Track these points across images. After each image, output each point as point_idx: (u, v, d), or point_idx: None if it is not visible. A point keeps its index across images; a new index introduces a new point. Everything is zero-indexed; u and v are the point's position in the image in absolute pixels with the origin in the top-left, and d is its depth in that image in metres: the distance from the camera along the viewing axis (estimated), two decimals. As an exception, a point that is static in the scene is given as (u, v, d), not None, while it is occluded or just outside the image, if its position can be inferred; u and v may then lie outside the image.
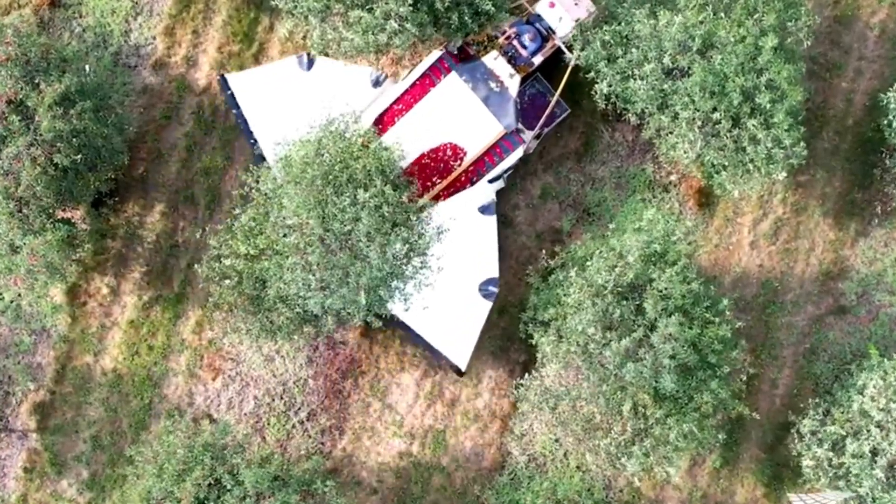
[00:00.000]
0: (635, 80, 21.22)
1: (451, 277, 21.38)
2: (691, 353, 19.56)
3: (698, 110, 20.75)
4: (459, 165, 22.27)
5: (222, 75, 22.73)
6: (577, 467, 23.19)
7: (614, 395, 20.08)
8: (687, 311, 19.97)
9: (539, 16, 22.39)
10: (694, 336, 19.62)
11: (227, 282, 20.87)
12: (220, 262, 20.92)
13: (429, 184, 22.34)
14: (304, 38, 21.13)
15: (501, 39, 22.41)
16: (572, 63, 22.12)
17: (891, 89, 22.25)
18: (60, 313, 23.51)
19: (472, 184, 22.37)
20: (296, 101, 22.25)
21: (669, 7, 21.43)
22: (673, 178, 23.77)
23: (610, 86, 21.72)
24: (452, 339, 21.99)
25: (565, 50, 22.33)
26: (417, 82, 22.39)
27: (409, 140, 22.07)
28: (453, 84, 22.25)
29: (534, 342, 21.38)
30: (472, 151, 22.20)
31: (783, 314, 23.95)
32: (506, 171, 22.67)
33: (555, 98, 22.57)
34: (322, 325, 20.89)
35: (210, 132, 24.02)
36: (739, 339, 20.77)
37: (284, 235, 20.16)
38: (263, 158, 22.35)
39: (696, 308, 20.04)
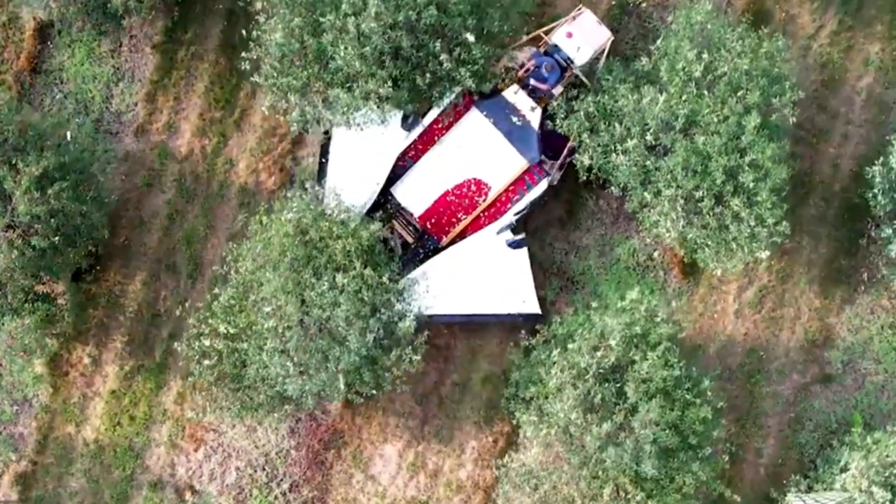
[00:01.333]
0: (618, 154, 21.08)
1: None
2: (672, 435, 19.46)
3: (681, 188, 20.60)
4: (484, 200, 22.39)
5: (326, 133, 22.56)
6: (562, 539, 23.07)
7: (595, 479, 19.97)
8: (668, 393, 19.86)
9: (557, 46, 22.39)
10: (675, 418, 19.51)
11: (207, 361, 20.75)
12: (200, 340, 20.81)
13: (454, 220, 22.49)
14: (285, 113, 20.97)
15: (521, 72, 22.39)
16: (592, 89, 22.13)
17: (876, 162, 22.07)
18: (42, 383, 23.41)
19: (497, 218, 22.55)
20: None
21: (654, 81, 21.25)
22: (656, 254, 23.61)
23: (592, 158, 21.57)
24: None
25: (584, 80, 22.35)
26: (439, 119, 22.39)
27: (433, 177, 22.20)
28: (475, 120, 22.31)
29: (515, 420, 21.25)
30: (497, 186, 22.32)
31: (768, 383, 23.82)
32: (531, 204, 22.62)
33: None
34: (302, 404, 20.78)
35: (192, 200, 23.88)
36: (721, 418, 20.63)
37: (263, 319, 20.02)
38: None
39: (677, 390, 19.92)
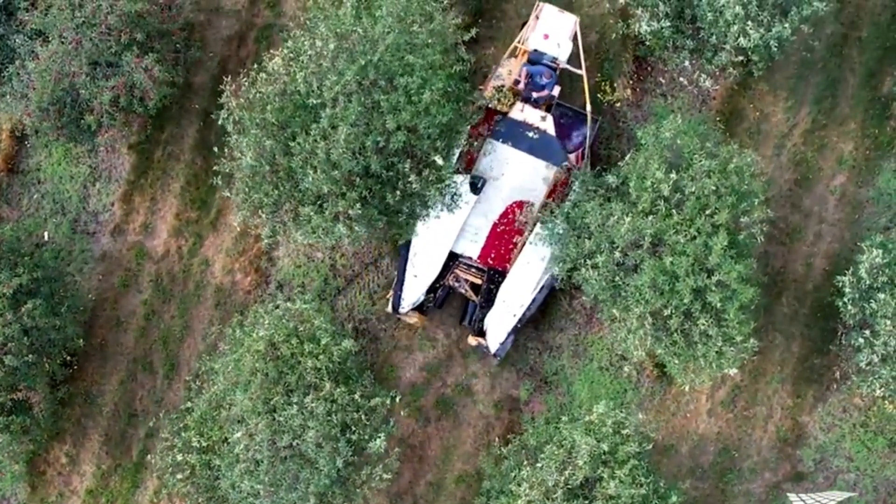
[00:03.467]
0: (587, 269, 21.22)
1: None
2: (640, 554, 19.68)
3: (649, 303, 20.74)
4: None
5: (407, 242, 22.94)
6: None
7: None
8: (637, 510, 20.06)
9: (538, 51, 22.85)
10: (643, 537, 19.73)
11: (180, 476, 20.96)
12: (173, 453, 21.00)
13: (511, 245, 22.86)
14: (256, 227, 21.15)
15: (520, 86, 22.88)
16: (584, 75, 22.68)
17: (846, 272, 22.19)
18: (20, 482, 23.66)
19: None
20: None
21: (623, 195, 21.38)
22: (626, 368, 23.78)
23: (562, 270, 21.73)
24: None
25: (574, 70, 22.86)
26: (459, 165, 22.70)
27: (477, 218, 22.61)
28: (496, 150, 22.69)
29: (487, 529, 21.50)
30: (538, 200, 22.75)
31: (740, 481, 24.02)
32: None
33: (588, 111, 22.88)
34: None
35: (168, 300, 24.07)
36: (690, 533, 20.88)
37: (235, 443, 20.20)
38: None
39: (645, 506, 20.14)
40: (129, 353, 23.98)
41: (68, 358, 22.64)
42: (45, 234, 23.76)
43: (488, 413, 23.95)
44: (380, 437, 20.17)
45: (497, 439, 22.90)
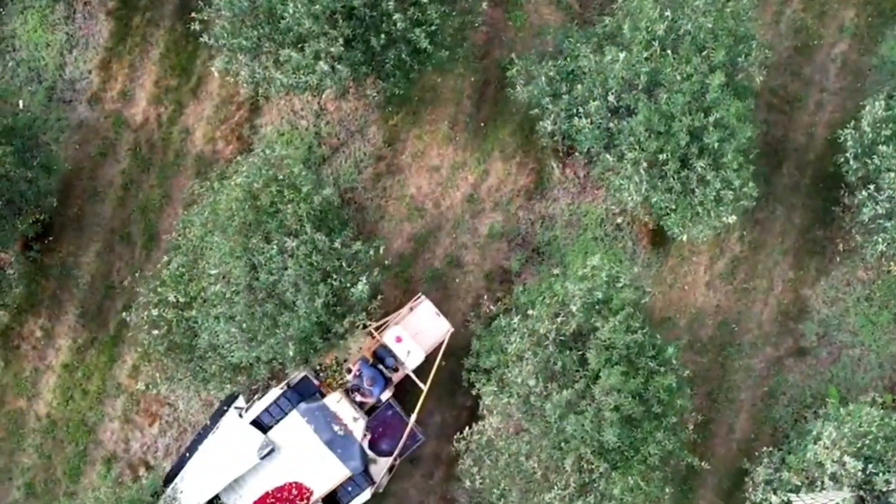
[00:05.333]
0: (580, 117, 20.42)
1: None
2: (635, 404, 18.78)
3: (644, 151, 19.93)
4: None
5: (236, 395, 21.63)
6: (527, 516, 22.38)
7: (556, 449, 19.29)
8: (632, 361, 19.20)
9: (386, 347, 21.36)
10: (638, 386, 18.85)
11: (157, 332, 20.13)
12: (150, 310, 20.18)
13: None
14: (236, 75, 20.34)
15: (349, 376, 21.31)
16: (425, 392, 21.21)
17: (848, 126, 21.38)
18: (-8, 357, 22.82)
19: None
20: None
21: (617, 42, 20.61)
22: (620, 220, 22.94)
23: (555, 123, 20.92)
24: None
25: (417, 381, 21.32)
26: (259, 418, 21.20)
27: (252, 477, 20.88)
28: (296, 424, 20.97)
29: (476, 391, 20.60)
30: (319, 492, 21.02)
31: (740, 356, 23.13)
32: None
33: (409, 426, 21.33)
34: (254, 374, 20.15)
35: (147, 170, 23.26)
36: (686, 387, 19.94)
37: (211, 284, 19.41)
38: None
39: (640, 358, 19.26)
40: (106, 224, 23.14)
41: (41, 217, 21.78)
42: (21, 102, 22.98)
43: (479, 285, 23.10)
44: (361, 282, 19.33)
45: (486, 297, 22.01)
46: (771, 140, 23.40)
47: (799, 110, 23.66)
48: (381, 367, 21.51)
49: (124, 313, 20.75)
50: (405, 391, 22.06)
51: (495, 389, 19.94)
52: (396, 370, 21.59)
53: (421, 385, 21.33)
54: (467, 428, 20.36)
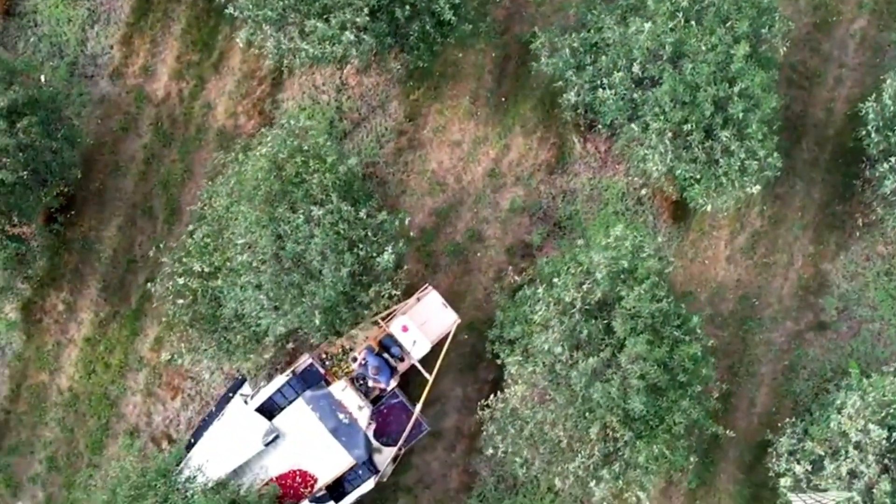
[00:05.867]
0: (604, 89, 20.48)
1: None
2: (661, 372, 18.83)
3: (669, 121, 20.00)
4: (310, 492, 21.03)
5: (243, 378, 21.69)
6: (549, 489, 22.44)
7: (582, 418, 19.33)
8: (657, 330, 19.24)
9: (392, 337, 21.31)
10: (663, 355, 18.90)
11: (181, 301, 20.15)
12: (174, 279, 20.21)
13: None
14: (261, 47, 20.38)
15: (355, 365, 21.26)
16: (431, 381, 21.16)
17: (869, 99, 21.46)
18: (14, 330, 22.78)
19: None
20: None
21: (641, 14, 20.68)
22: (644, 191, 22.99)
23: (578, 95, 20.98)
24: None
25: (423, 371, 21.25)
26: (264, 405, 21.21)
27: (257, 464, 20.87)
28: (301, 411, 21.00)
29: (500, 361, 20.63)
30: (323, 479, 20.99)
31: (761, 330, 23.19)
32: (359, 499, 21.43)
33: (414, 416, 21.28)
34: (279, 344, 20.19)
35: (169, 144, 23.29)
36: (711, 357, 19.99)
37: (237, 253, 19.44)
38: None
39: (665, 327, 19.31)
40: (128, 198, 23.16)
41: (65, 190, 21.80)
42: (42, 77, 23.01)
43: (500, 259, 23.14)
44: (387, 251, 19.38)
45: (510, 267, 21.94)
46: (790, 115, 23.47)
47: (818, 86, 23.74)
48: (386, 356, 21.49)
49: (149, 284, 20.78)
50: (411, 382, 22.01)
51: (520, 359, 19.98)
52: (402, 360, 21.56)
53: (427, 375, 21.27)
54: (492, 396, 20.37)
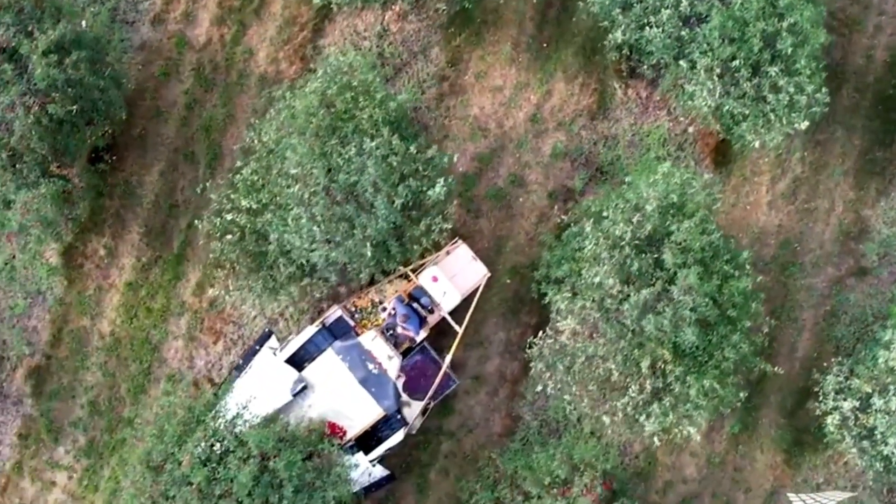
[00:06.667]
0: (651, 27, 20.50)
1: None
2: (711, 307, 18.82)
3: (717, 58, 20.02)
4: (340, 444, 20.67)
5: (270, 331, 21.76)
6: (592, 433, 22.41)
7: (632, 352, 19.30)
8: (707, 265, 19.23)
9: (422, 289, 21.32)
10: (714, 289, 18.89)
11: (229, 237, 20.11)
12: (222, 217, 20.18)
13: None
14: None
15: (384, 314, 21.28)
16: (460, 334, 21.21)
17: (914, 39, 21.54)
18: (56, 275, 22.70)
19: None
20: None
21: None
22: (691, 129, 22.95)
23: (625, 34, 20.98)
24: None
25: (452, 323, 21.27)
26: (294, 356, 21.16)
27: (285, 417, 20.57)
28: (331, 361, 20.94)
29: (547, 300, 20.60)
30: (352, 431, 20.89)
31: (802, 276, 23.20)
32: (388, 451, 21.36)
33: (443, 370, 21.27)
34: (327, 279, 20.14)
35: (211, 89, 23.27)
36: (759, 294, 19.98)
37: (288, 187, 19.41)
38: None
39: (715, 262, 19.31)
40: (169, 144, 23.12)
41: (109, 131, 21.74)
42: (83, 23, 22.92)
43: (542, 204, 23.13)
44: (439, 184, 19.36)
45: (556, 207, 21.77)
46: (831, 62, 23.47)
47: (858, 33, 23.79)
48: (416, 305, 21.46)
49: (196, 221, 20.70)
50: (442, 336, 21.86)
51: (568, 296, 19.95)
52: (432, 311, 21.50)
53: (456, 327, 21.24)
54: (540, 332, 20.33)
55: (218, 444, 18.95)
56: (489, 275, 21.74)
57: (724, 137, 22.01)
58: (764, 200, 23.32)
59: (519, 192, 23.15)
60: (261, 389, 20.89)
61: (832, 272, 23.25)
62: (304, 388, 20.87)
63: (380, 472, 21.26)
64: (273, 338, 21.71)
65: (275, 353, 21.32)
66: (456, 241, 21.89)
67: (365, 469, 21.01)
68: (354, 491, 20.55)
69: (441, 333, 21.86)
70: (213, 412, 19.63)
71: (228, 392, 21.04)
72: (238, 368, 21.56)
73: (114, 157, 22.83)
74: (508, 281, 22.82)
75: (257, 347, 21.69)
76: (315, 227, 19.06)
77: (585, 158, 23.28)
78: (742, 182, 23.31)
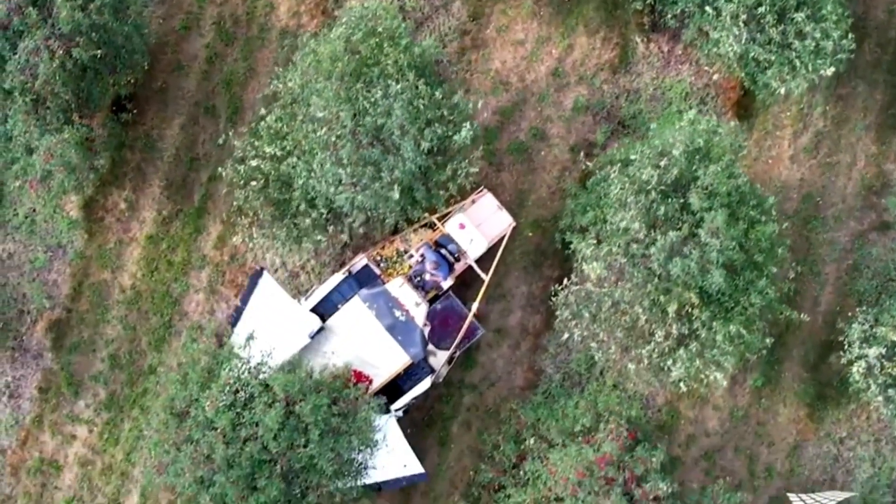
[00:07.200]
0: (676, -24, 20.50)
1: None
2: (738, 251, 18.76)
3: (743, 4, 19.98)
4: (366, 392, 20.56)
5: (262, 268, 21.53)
6: (614, 386, 22.33)
7: (659, 297, 19.21)
8: (733, 210, 19.16)
9: (449, 237, 21.20)
10: (740, 234, 18.82)
11: (253, 184, 20.04)
12: (246, 164, 20.11)
13: None
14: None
15: (412, 261, 21.19)
16: (487, 282, 21.12)
17: (938, -11, 21.52)
18: (76, 229, 22.63)
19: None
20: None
21: None
22: (715, 77, 22.86)
23: (649, -16, 21.00)
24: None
25: (479, 271, 21.21)
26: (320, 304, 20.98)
27: (314, 363, 20.42)
28: (357, 309, 20.76)
29: (571, 250, 20.52)
30: (379, 379, 20.73)
31: (825, 230, 23.16)
32: (414, 400, 21.27)
33: (469, 318, 21.16)
34: (351, 224, 20.05)
35: (231, 43, 23.21)
36: (785, 240, 19.94)
37: (313, 131, 19.33)
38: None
39: (741, 207, 19.23)
40: (190, 97, 23.05)
41: (132, 80, 21.66)
42: (104, -25, 22.86)
43: (564, 157, 23.08)
44: (465, 128, 19.29)
45: (581, 154, 21.64)
46: (853, 17, 23.34)
47: (879, -12, 23.79)
48: (444, 252, 21.35)
49: (220, 168, 20.60)
50: (468, 287, 21.76)
51: (595, 243, 19.87)
52: (458, 259, 21.42)
53: (483, 275, 21.16)
54: (566, 279, 20.25)
55: (241, 391, 18.88)
56: (514, 224, 21.68)
57: (747, 90, 21.95)
58: (786, 154, 23.28)
59: (541, 146, 23.10)
60: (268, 329, 20.21)
61: (854, 226, 23.21)
62: (321, 329, 20.62)
63: (415, 467, 20.82)
64: (265, 274, 21.30)
65: (300, 301, 21.07)
66: (482, 190, 21.82)
67: (400, 461, 20.70)
68: (383, 480, 20.44)
69: (463, 285, 21.78)
70: (230, 356, 19.43)
71: (232, 334, 20.90)
72: (238, 311, 21.34)
73: (135, 111, 22.74)
74: (530, 234, 22.75)
75: (254, 282, 21.21)
76: (341, 170, 18.99)
77: (607, 112, 23.23)
78: (764, 136, 23.27)
